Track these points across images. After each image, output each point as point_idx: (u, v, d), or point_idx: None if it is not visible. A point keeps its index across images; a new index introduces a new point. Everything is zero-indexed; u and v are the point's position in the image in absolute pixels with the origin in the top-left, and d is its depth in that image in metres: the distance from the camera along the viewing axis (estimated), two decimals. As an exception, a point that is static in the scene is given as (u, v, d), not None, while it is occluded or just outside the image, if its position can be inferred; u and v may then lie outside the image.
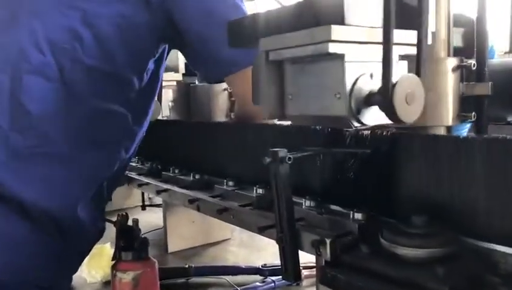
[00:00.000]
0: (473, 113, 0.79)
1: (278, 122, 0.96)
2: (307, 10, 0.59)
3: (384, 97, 0.55)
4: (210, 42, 0.93)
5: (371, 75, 0.59)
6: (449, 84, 0.78)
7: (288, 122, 0.87)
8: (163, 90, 1.21)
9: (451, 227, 0.55)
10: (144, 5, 0.88)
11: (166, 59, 1.07)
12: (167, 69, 1.26)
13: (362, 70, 0.58)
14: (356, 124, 0.59)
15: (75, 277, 1.00)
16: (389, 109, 0.55)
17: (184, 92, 1.39)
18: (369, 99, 0.58)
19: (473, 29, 0.82)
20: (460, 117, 0.81)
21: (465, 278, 0.49)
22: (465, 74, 0.81)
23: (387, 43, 0.55)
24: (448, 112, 0.79)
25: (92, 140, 0.89)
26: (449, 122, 0.79)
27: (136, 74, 0.92)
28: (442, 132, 0.80)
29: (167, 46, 1.02)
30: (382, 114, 0.56)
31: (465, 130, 0.87)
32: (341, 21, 0.56)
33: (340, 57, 0.56)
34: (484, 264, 0.51)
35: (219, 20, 0.88)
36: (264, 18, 0.64)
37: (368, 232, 0.61)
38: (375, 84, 0.58)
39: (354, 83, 0.57)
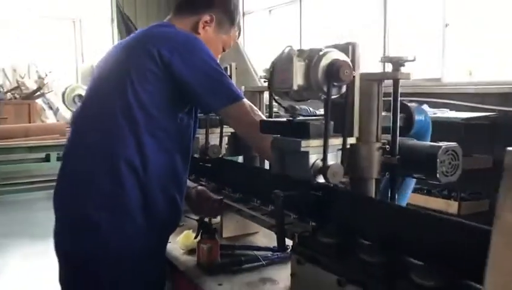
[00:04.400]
0: (387, 173, 1.48)
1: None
2: (293, 128, 1.32)
3: (323, 172, 1.28)
4: (208, 89, 1.50)
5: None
6: (376, 157, 1.44)
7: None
8: (223, 138, 1.95)
9: (345, 235, 1.26)
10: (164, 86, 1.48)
11: (196, 114, 1.67)
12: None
13: (318, 157, 1.30)
14: (315, 181, 1.32)
15: (172, 247, 1.77)
16: (325, 178, 1.28)
17: (234, 138, 2.10)
18: (319, 171, 1.30)
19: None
20: (380, 174, 1.50)
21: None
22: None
23: (325, 146, 1.26)
24: (375, 171, 1.46)
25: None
26: (376, 176, 1.48)
27: (171, 119, 1.54)
28: (373, 182, 1.49)
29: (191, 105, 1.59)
30: (323, 178, 1.28)
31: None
32: (307, 137, 1.29)
33: (306, 153, 1.28)
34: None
35: (211, 74, 1.50)
36: (273, 125, 1.38)
37: (316, 232, 1.32)
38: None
39: (314, 163, 1.30)
